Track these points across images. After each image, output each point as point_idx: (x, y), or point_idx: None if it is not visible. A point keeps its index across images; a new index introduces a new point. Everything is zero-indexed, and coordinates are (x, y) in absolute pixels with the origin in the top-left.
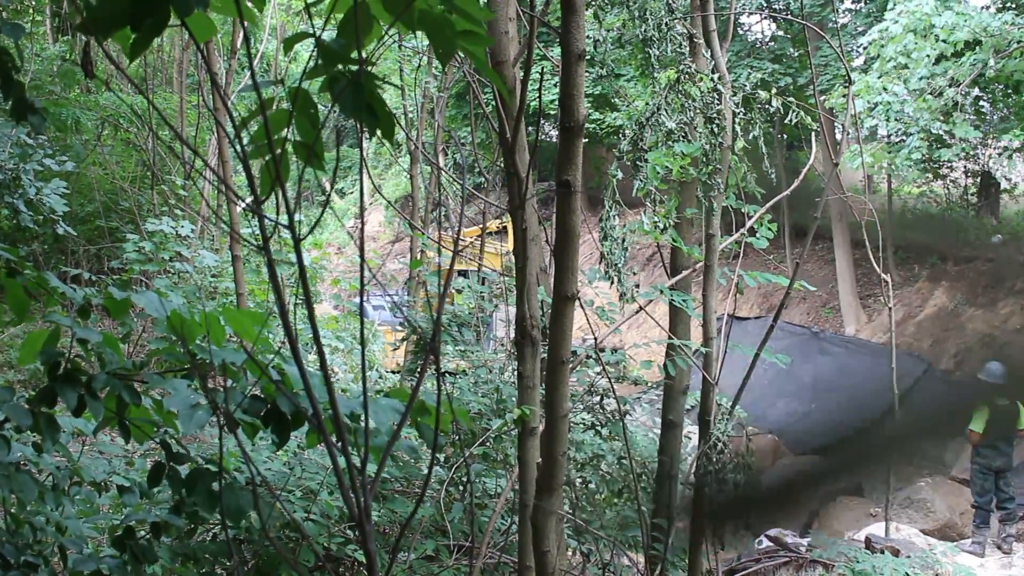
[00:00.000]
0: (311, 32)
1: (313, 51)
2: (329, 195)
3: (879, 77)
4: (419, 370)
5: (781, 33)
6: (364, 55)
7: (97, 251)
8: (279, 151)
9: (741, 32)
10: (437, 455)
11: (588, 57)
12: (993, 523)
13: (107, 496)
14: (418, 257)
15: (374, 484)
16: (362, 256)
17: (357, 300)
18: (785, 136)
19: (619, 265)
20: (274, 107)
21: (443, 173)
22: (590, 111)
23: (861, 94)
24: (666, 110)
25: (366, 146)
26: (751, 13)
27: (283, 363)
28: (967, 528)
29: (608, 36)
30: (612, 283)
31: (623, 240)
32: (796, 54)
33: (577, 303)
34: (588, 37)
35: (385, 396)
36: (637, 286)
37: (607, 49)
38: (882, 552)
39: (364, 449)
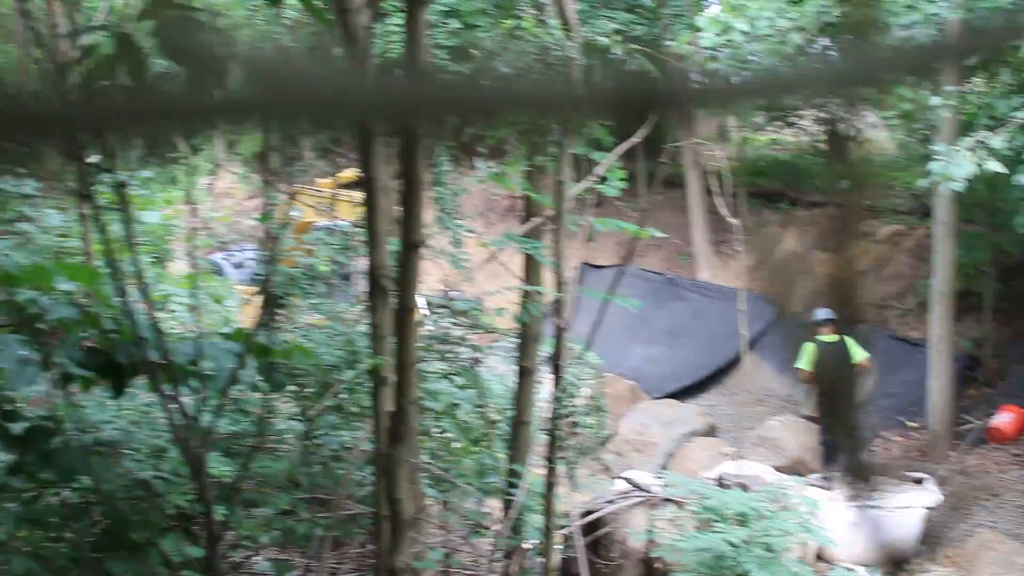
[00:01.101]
0: None
1: None
2: (178, 150)
3: (723, 11)
4: (263, 317)
5: None
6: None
7: None
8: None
9: None
10: (294, 410)
11: (446, 9)
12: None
13: None
14: (270, 211)
15: (210, 432)
16: (210, 216)
17: (212, 258)
18: None
19: (450, 212)
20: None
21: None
22: (447, 63)
23: (707, 28)
24: (502, 56)
25: None
26: None
27: (119, 315)
28: (817, 464)
29: None
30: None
31: (456, 187)
32: (652, 5)
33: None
34: None
35: (224, 339)
36: (471, 231)
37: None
38: (732, 488)
39: (202, 397)
